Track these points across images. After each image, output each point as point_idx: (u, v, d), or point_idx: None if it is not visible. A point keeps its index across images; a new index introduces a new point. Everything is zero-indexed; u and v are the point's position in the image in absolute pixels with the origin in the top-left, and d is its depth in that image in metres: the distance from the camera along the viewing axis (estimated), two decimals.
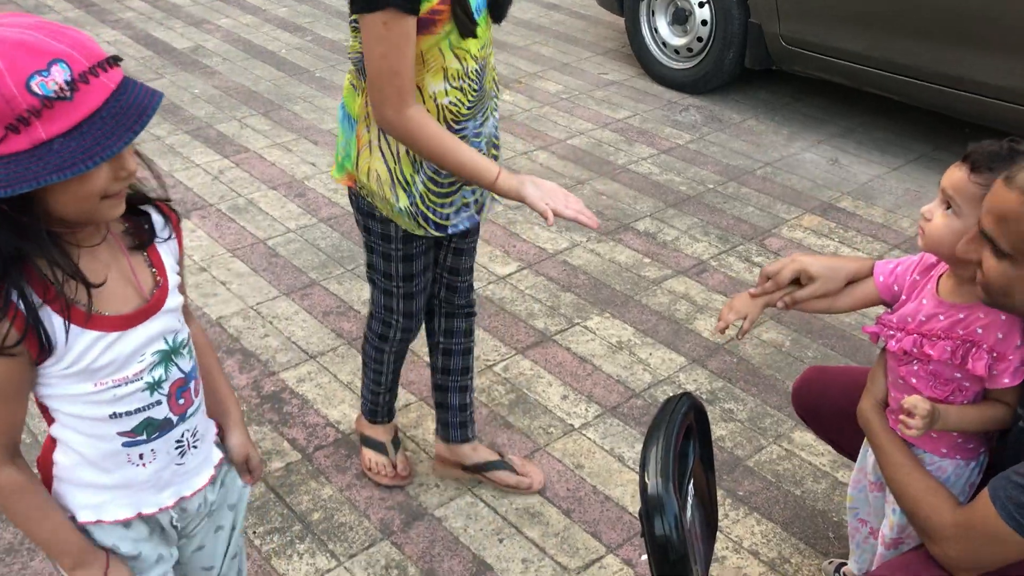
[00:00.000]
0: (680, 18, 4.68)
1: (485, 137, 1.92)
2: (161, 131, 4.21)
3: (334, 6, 5.93)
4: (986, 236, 1.42)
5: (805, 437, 2.54)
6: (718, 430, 2.57)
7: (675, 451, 1.13)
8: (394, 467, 2.36)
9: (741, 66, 4.52)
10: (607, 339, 2.93)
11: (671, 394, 2.66)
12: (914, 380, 1.65)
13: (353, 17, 1.73)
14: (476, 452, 2.35)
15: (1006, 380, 1.56)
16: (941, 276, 1.66)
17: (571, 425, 2.58)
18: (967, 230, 1.51)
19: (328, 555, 2.16)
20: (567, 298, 3.12)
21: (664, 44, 4.80)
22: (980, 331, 1.56)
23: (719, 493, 2.36)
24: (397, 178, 1.85)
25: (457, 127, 1.83)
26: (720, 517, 2.29)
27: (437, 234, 1.95)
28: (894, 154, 4.14)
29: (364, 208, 1.95)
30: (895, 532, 1.75)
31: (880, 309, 1.79)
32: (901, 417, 1.59)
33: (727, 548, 2.21)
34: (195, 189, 3.74)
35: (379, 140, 1.84)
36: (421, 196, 1.88)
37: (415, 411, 2.62)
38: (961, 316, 1.59)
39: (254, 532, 2.21)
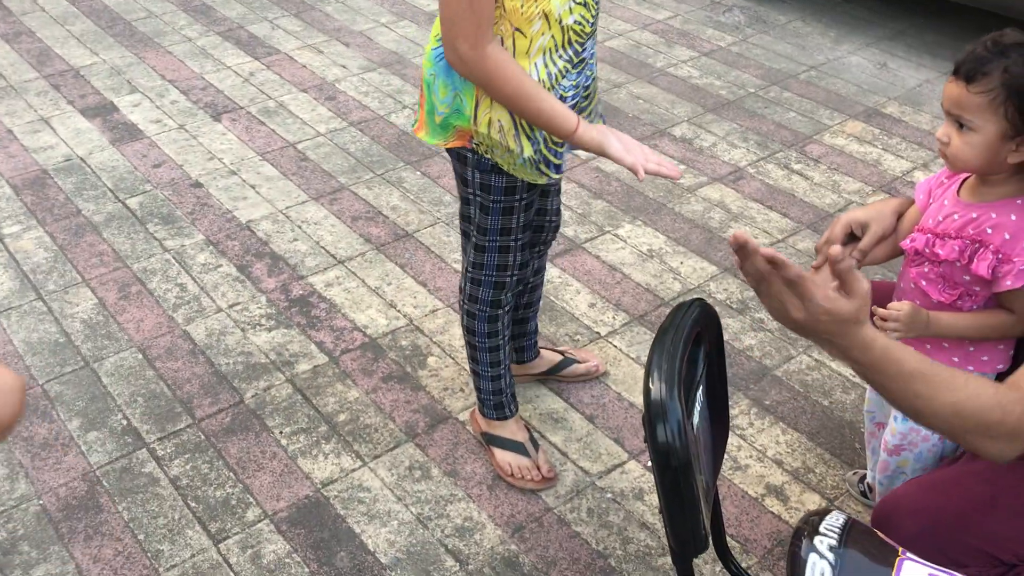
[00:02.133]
0: None
1: (594, 60, 1.78)
2: (192, 32, 4.16)
3: None
4: None
5: None
6: (747, 339, 2.54)
7: (683, 357, 1.10)
8: (538, 468, 2.13)
9: None
10: (637, 247, 2.88)
11: None
12: (924, 283, 1.62)
13: None
14: (543, 359, 2.35)
15: (1008, 283, 1.50)
16: (966, 179, 1.60)
17: (597, 332, 2.56)
18: (987, 141, 1.45)
19: (353, 455, 2.19)
20: (598, 205, 3.07)
21: None
22: (989, 231, 1.51)
23: (744, 402, 2.34)
24: (521, 124, 1.69)
25: (581, 49, 1.68)
26: (744, 426, 2.28)
27: (557, 176, 1.80)
28: (944, 57, 3.97)
29: (485, 165, 1.77)
30: (896, 439, 1.73)
31: None
32: (880, 312, 1.55)
33: (751, 457, 2.20)
34: (226, 91, 3.70)
35: None
36: (544, 139, 1.72)
37: (442, 317, 2.61)
38: (974, 216, 1.54)
39: (280, 432, 2.24)
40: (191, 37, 4.12)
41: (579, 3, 1.63)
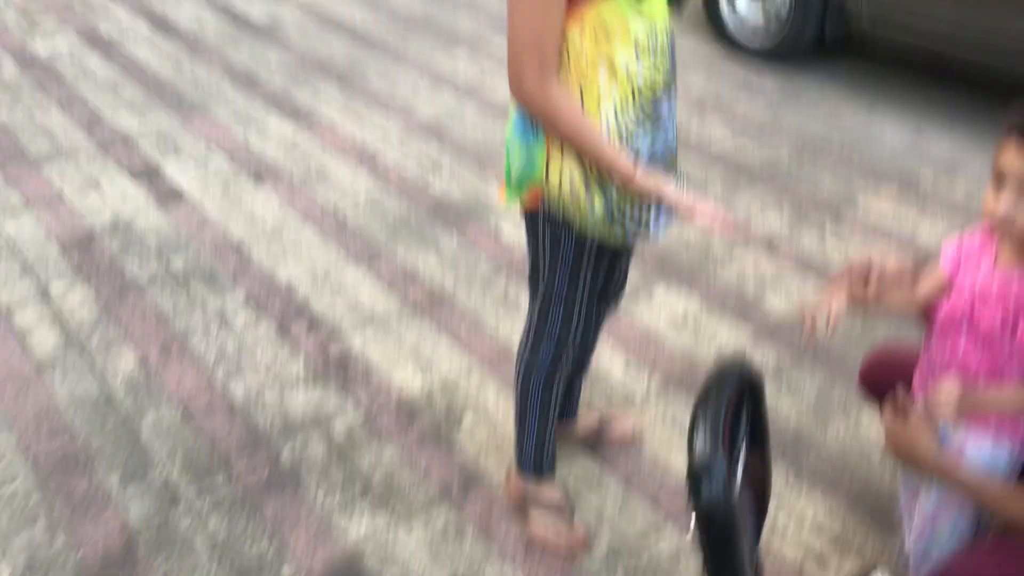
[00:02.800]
0: None
1: (672, 122, 1.74)
2: (237, 99, 4.28)
3: None
4: None
5: (874, 415, 2.47)
6: (784, 405, 2.53)
7: (727, 416, 1.11)
8: (573, 532, 2.10)
9: (820, 40, 4.39)
10: (673, 310, 2.89)
11: None
12: (962, 352, 1.60)
13: None
14: (581, 424, 2.34)
15: None
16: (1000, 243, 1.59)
17: (633, 394, 2.56)
18: None
19: (388, 513, 2.19)
20: (633, 267, 3.09)
21: (741, 16, 4.69)
22: None
23: (781, 465, 2.32)
24: (592, 177, 1.68)
25: (651, 108, 1.66)
26: (783, 489, 2.25)
27: (627, 240, 1.78)
28: (979, 127, 3.99)
29: (556, 220, 1.75)
30: (932, 505, 1.71)
31: None
32: (931, 400, 1.54)
33: (789, 520, 2.17)
34: (268, 156, 3.80)
35: None
36: (617, 198, 1.71)
37: (477, 378, 2.63)
38: (1016, 285, 1.52)
39: (316, 490, 2.25)
40: (236, 103, 4.25)
41: (645, 53, 1.62)
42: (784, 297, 2.96)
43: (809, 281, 3.03)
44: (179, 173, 3.67)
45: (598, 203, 1.70)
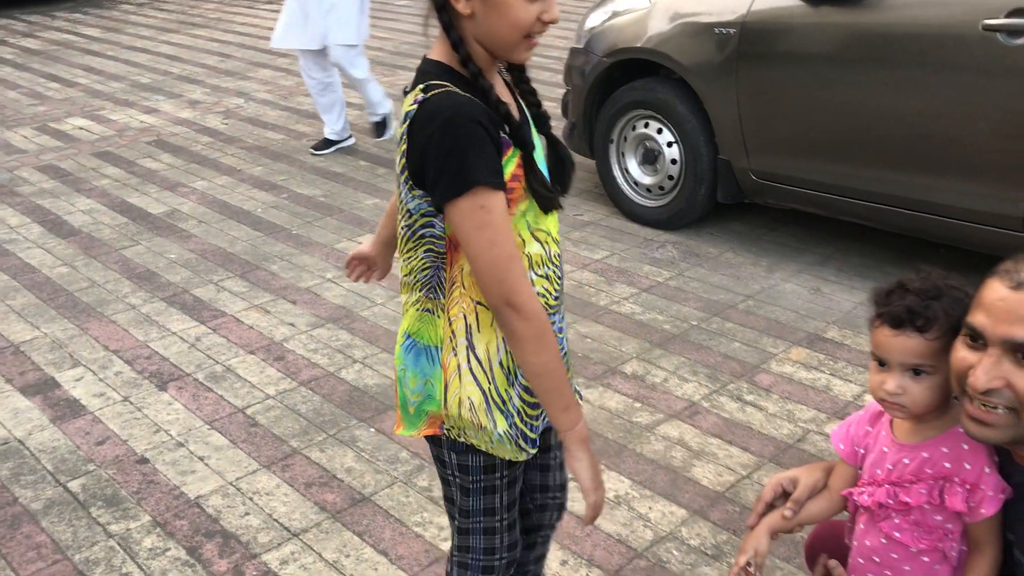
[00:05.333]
0: (650, 158, 4.75)
1: (564, 336, 1.75)
2: (136, 300, 4.16)
3: (309, 162, 6.01)
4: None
5: None
6: None
7: None
8: None
9: (714, 201, 4.56)
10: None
11: (674, 552, 2.55)
12: (898, 534, 1.60)
13: (413, 222, 1.58)
14: None
15: (983, 511, 1.51)
16: (893, 420, 1.63)
17: None
18: (945, 380, 1.49)
19: None
20: None
21: (636, 183, 4.86)
22: (948, 465, 1.53)
23: None
24: (492, 399, 1.64)
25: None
26: None
27: (534, 451, 1.71)
28: (874, 279, 4.14)
29: (460, 447, 1.70)
30: None
31: None
32: None
33: None
34: (171, 358, 3.66)
35: (468, 361, 1.63)
36: (518, 412, 1.67)
37: None
38: (926, 455, 1.55)
39: None
40: (135, 304, 4.12)
41: (541, 276, 1.64)
42: (712, 468, 2.92)
43: (734, 448, 3.01)
44: (76, 384, 3.49)
45: (500, 420, 1.66)
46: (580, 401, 1.68)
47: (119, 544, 2.65)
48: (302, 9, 5.73)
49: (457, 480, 1.77)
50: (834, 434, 1.74)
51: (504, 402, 1.66)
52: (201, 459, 3.04)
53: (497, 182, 1.47)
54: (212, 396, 3.40)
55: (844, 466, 1.73)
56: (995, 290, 1.38)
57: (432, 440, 1.76)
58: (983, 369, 1.37)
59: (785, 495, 1.75)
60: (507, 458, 1.72)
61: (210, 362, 3.63)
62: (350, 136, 6.28)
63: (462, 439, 1.69)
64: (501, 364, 1.64)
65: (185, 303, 4.13)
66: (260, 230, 4.94)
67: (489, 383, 1.64)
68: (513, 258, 1.49)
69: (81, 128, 6.87)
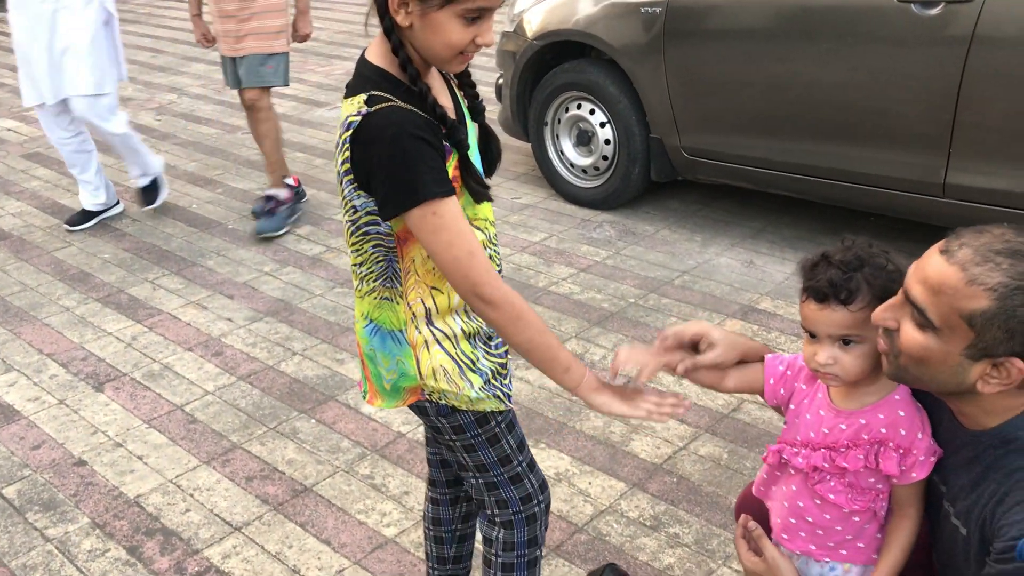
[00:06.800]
0: (584, 139, 4.79)
1: None
2: (70, 301, 4.09)
3: (244, 156, 5.94)
4: (915, 306, 1.40)
5: None
6: (666, 558, 2.49)
7: None
8: None
9: (648, 179, 4.61)
10: (545, 471, 2.84)
11: (614, 525, 2.59)
12: (832, 496, 1.65)
13: (358, 218, 1.63)
14: None
15: (914, 474, 1.57)
16: (828, 388, 1.68)
17: None
18: (874, 348, 1.52)
19: None
20: None
21: (572, 165, 4.89)
22: (884, 431, 1.58)
23: None
24: (463, 363, 1.71)
25: None
26: None
27: (512, 404, 1.80)
28: (805, 250, 4.21)
29: (445, 410, 1.75)
30: None
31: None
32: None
33: None
34: (107, 359, 3.61)
35: (431, 334, 1.70)
36: (492, 371, 1.75)
37: None
38: (863, 421, 1.60)
39: None
40: (69, 306, 4.05)
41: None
42: (649, 441, 2.97)
43: (671, 422, 3.06)
44: (9, 390, 3.43)
45: (476, 380, 1.72)
46: (571, 357, 1.69)
47: (57, 548, 2.62)
48: (24, 57, 4.45)
49: (457, 442, 1.80)
50: (769, 360, 1.76)
51: (473, 362, 1.72)
52: (140, 458, 3.01)
53: (445, 191, 1.53)
54: (150, 395, 3.37)
55: (759, 376, 1.76)
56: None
57: (419, 411, 1.79)
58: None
59: (695, 349, 1.78)
60: (490, 410, 1.76)
61: (147, 361, 3.59)
62: (118, 202, 5.06)
63: (444, 401, 1.74)
64: (463, 331, 1.71)
65: (120, 303, 4.08)
66: (196, 226, 4.88)
67: (455, 348, 1.71)
68: (473, 253, 1.54)
69: (9, 130, 6.72)
